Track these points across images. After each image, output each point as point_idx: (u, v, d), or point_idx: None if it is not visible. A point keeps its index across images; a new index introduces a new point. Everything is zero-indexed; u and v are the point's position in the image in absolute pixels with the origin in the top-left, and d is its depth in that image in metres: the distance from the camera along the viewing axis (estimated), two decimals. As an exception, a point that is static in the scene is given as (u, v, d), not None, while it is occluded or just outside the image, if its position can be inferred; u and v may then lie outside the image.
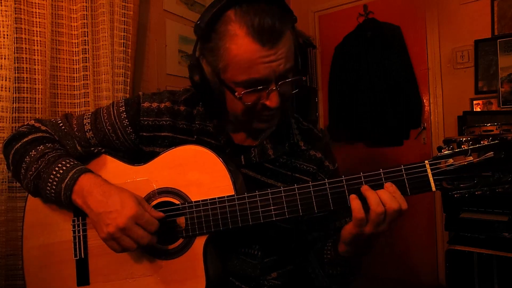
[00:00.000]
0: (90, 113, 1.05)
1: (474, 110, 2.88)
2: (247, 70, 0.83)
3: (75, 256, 0.97)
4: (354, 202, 0.80)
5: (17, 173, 0.98)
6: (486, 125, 2.40)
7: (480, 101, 2.87)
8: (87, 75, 1.86)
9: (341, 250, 0.91)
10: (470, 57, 2.91)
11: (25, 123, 1.07)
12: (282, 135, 1.02)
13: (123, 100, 1.04)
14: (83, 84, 1.86)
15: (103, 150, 1.01)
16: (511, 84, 2.74)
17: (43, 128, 1.02)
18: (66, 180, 0.89)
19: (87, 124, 1.03)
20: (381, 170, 0.81)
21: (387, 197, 0.78)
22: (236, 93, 0.86)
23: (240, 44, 0.82)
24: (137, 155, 1.03)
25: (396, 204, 0.78)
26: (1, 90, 1.55)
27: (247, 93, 0.86)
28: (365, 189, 0.80)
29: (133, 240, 0.84)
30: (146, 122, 1.00)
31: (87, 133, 1.02)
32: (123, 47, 2.00)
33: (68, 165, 0.92)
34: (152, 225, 0.85)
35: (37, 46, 1.69)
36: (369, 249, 0.90)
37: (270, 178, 1.00)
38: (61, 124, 1.03)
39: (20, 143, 0.98)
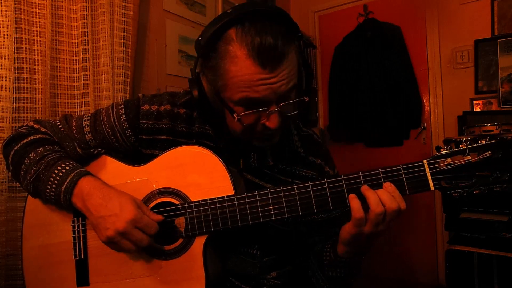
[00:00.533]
0: (89, 115, 1.05)
1: (474, 110, 2.88)
2: (246, 91, 0.81)
3: (75, 256, 0.97)
4: (353, 202, 0.80)
5: (17, 174, 0.98)
6: (486, 125, 2.40)
7: (480, 101, 2.87)
8: (87, 75, 1.86)
9: (340, 251, 0.91)
10: (470, 57, 2.91)
11: (24, 124, 1.06)
12: (282, 142, 1.01)
13: (122, 102, 1.04)
14: (83, 84, 1.86)
15: (103, 151, 1.01)
16: (511, 84, 2.74)
17: (42, 129, 1.02)
18: (65, 183, 0.90)
19: (86, 126, 1.02)
20: (380, 170, 0.81)
21: (386, 197, 0.78)
22: (234, 114, 0.84)
23: (240, 66, 0.80)
24: (136, 157, 1.02)
25: (395, 204, 0.78)
26: (1, 90, 1.55)
27: (246, 114, 0.84)
28: (365, 189, 0.80)
29: (133, 243, 0.84)
30: (145, 125, 1.00)
31: (86, 135, 1.01)
32: (123, 47, 1.99)
33: (67, 167, 0.92)
34: (151, 228, 0.85)
35: (37, 46, 1.68)
36: (368, 249, 0.90)
37: (269, 183, 0.99)
38: (60, 125, 1.03)
39: (19, 145, 0.98)
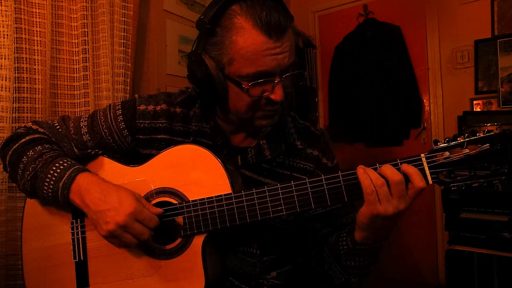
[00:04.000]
0: (87, 116, 1.06)
1: (474, 110, 2.88)
2: (253, 63, 0.84)
3: (75, 258, 0.97)
4: (363, 177, 0.79)
5: (14, 173, 0.98)
6: (486, 125, 2.40)
7: (480, 101, 2.87)
8: (87, 75, 1.86)
9: (358, 237, 0.88)
10: (470, 57, 2.90)
11: (22, 125, 1.07)
12: (278, 135, 1.02)
13: (119, 103, 1.04)
14: (83, 84, 1.86)
15: (100, 152, 1.01)
16: (511, 84, 2.74)
17: (40, 130, 1.03)
18: (63, 179, 0.90)
19: (83, 127, 1.03)
20: (377, 165, 0.80)
21: (388, 170, 0.77)
22: (243, 85, 0.86)
23: (247, 36, 0.83)
24: (134, 158, 1.02)
25: (399, 176, 0.77)
26: (1, 90, 1.55)
27: (253, 85, 0.86)
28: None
29: (134, 236, 0.85)
30: (142, 125, 1.01)
31: (84, 136, 1.02)
32: (123, 47, 1.99)
33: (65, 164, 0.92)
34: (151, 220, 0.86)
35: (37, 46, 1.68)
36: (387, 234, 0.88)
37: (268, 177, 1.00)
38: (58, 126, 1.04)
39: (17, 144, 0.98)
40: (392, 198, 0.78)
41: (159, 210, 0.89)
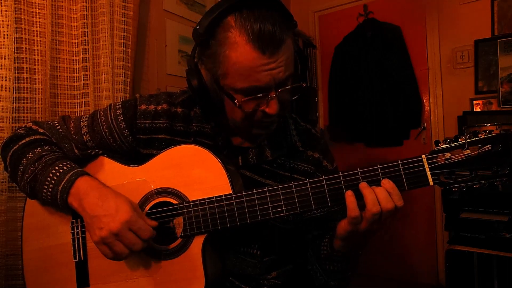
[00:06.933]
0: (87, 116, 1.05)
1: (474, 110, 2.88)
2: (247, 78, 0.83)
3: (75, 258, 0.97)
4: (349, 200, 0.80)
5: (15, 175, 0.98)
6: (486, 125, 2.40)
7: (480, 101, 2.87)
8: (87, 75, 1.86)
9: (337, 245, 0.91)
10: (470, 57, 2.91)
11: (22, 126, 1.07)
12: (280, 137, 1.02)
13: (120, 103, 1.04)
14: (83, 84, 1.86)
15: (101, 152, 1.01)
16: (511, 84, 2.74)
17: (40, 130, 1.02)
18: (63, 183, 0.90)
19: (84, 127, 1.02)
20: (378, 166, 0.80)
21: (383, 197, 0.78)
22: (235, 101, 0.85)
23: (240, 52, 0.81)
24: (134, 157, 1.02)
25: (391, 204, 0.78)
26: (1, 90, 1.55)
27: (246, 101, 0.85)
28: (363, 186, 0.79)
29: (125, 246, 0.83)
30: (143, 125, 1.00)
31: (84, 136, 1.02)
32: (123, 47, 1.99)
33: (65, 167, 0.92)
34: (145, 232, 0.84)
35: (37, 46, 1.68)
36: (365, 244, 0.91)
37: (268, 179, 0.99)
38: (58, 126, 1.03)
39: (17, 145, 0.98)
40: (378, 221, 0.80)
41: (154, 222, 0.88)
